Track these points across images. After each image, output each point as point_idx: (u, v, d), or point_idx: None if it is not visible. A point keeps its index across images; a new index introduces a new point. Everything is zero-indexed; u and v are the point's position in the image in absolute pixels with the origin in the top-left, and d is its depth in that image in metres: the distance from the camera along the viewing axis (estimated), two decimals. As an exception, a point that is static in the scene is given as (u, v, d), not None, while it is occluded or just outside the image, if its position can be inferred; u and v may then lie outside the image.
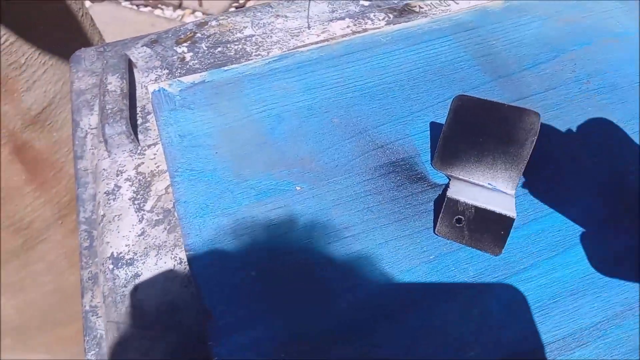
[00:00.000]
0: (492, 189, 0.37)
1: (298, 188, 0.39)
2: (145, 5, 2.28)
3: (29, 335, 1.08)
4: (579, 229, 0.37)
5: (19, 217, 0.87)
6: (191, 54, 0.62)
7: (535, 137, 0.37)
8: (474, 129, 0.38)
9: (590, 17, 0.53)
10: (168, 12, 2.22)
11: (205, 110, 0.43)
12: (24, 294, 0.96)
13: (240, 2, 2.18)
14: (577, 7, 0.54)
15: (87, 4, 2.22)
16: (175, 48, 0.63)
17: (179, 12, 2.24)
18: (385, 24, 0.66)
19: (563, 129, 0.43)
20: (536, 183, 0.40)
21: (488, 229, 0.35)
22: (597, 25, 0.52)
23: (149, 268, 0.42)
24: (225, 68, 0.46)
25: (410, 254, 0.35)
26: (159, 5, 2.26)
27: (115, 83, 0.53)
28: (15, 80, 0.80)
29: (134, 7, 2.27)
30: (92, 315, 0.43)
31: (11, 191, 0.84)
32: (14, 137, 0.82)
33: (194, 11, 2.23)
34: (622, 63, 0.48)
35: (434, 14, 0.65)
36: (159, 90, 0.44)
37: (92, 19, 1.04)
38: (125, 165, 0.49)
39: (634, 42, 0.50)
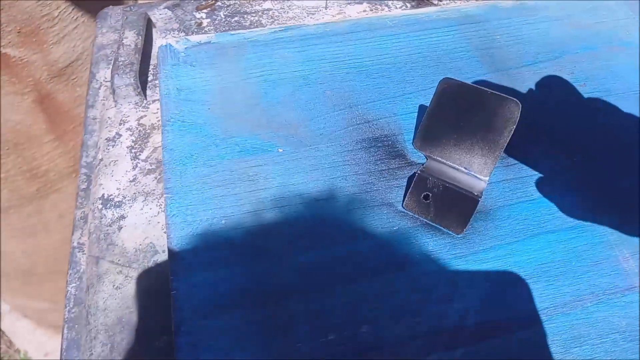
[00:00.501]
0: (466, 172, 0.38)
1: (280, 150, 0.40)
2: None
3: (35, 281, 1.13)
4: (543, 221, 0.37)
5: (37, 164, 0.91)
6: (209, 20, 0.64)
7: (514, 127, 0.37)
8: (457, 112, 0.39)
9: (601, 24, 0.53)
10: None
11: (206, 69, 0.45)
12: (34, 240, 1.01)
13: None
14: (589, 13, 0.53)
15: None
16: (194, 13, 0.65)
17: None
18: (402, 12, 0.67)
19: (549, 126, 0.43)
20: (512, 172, 0.40)
21: (453, 207, 0.36)
22: (605, 32, 0.52)
23: (135, 212, 0.44)
24: (232, 32, 0.48)
25: (374, 224, 0.37)
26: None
27: (131, 38, 0.56)
28: (47, 32, 0.84)
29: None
30: (79, 252, 0.46)
31: (31, 138, 0.89)
32: (39, 87, 0.86)
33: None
34: (622, 70, 0.48)
35: (441, 7, 0.65)
36: (165, 46, 0.47)
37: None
38: (129, 116, 0.52)
39: (636, 52, 0.50)
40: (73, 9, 0.87)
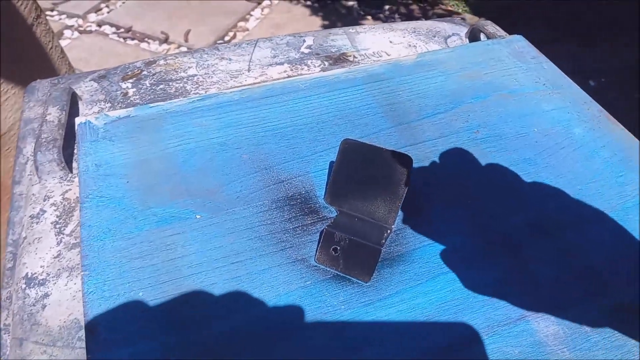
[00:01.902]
0: (374, 222, 0.41)
1: (198, 216, 0.42)
2: (132, 39, 2.36)
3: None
4: (442, 262, 0.41)
5: (-31, 238, 0.89)
6: (134, 89, 0.67)
7: (408, 178, 0.41)
8: (359, 169, 0.43)
9: (491, 74, 0.59)
10: (154, 46, 2.29)
11: (125, 143, 0.47)
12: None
13: (226, 39, 2.27)
14: (480, 65, 0.59)
15: (68, 32, 2.28)
16: (120, 83, 0.68)
17: (165, 46, 2.32)
18: (320, 71, 0.72)
19: (448, 172, 0.48)
20: (413, 219, 0.44)
21: (359, 258, 0.39)
22: (495, 81, 0.58)
23: (59, 288, 0.45)
24: (151, 105, 0.51)
25: (289, 280, 0.39)
26: (146, 39, 2.34)
27: (54, 114, 0.58)
28: (-25, 107, 0.83)
29: (121, 39, 2.35)
30: (5, 333, 0.46)
31: (-38, 213, 0.87)
32: (-31, 161, 0.85)
33: (179, 46, 2.31)
34: (511, 116, 0.53)
35: (365, 63, 0.71)
36: (84, 123, 0.48)
37: (62, 51, 1.09)
38: (53, 191, 0.52)
39: (526, 98, 0.56)
40: (2, 82, 0.88)
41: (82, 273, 0.38)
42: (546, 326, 0.37)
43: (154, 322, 0.36)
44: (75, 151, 0.58)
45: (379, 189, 0.42)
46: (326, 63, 0.73)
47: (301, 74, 0.68)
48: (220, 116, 0.51)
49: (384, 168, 0.42)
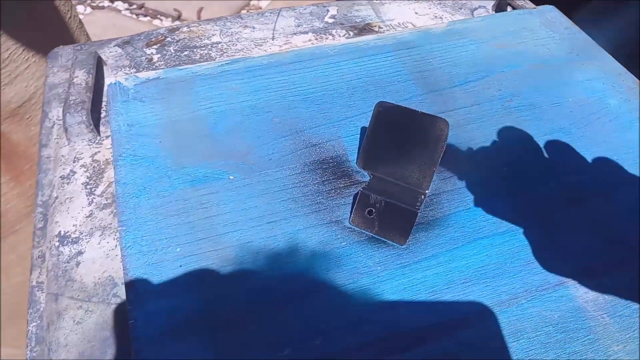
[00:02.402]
0: (407, 187, 0.41)
1: (231, 177, 0.42)
2: (145, 15, 2.34)
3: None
4: (478, 227, 0.40)
5: (-8, 206, 0.89)
6: (159, 55, 0.66)
7: (445, 143, 0.41)
8: (393, 132, 0.42)
9: (523, 44, 0.57)
10: (167, 22, 2.28)
11: (155, 104, 0.47)
12: (-6, 284, 0.98)
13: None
14: (512, 34, 0.58)
15: (81, 8, 2.27)
16: (145, 49, 0.67)
17: (177, 23, 2.30)
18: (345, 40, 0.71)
19: (482, 139, 0.47)
20: (448, 184, 0.44)
21: (395, 221, 0.39)
22: (528, 51, 0.56)
23: (93, 246, 0.45)
24: (180, 67, 0.51)
25: (324, 240, 0.39)
26: (158, 16, 2.32)
27: (81, 77, 0.57)
28: (-2, 73, 0.83)
29: (134, 16, 2.33)
30: (38, 290, 0.46)
31: (-15, 180, 0.87)
32: (-9, 128, 0.85)
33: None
34: (544, 86, 0.52)
35: (377, 35, 0.70)
36: (115, 83, 0.48)
37: (80, 21, 1.09)
38: (82, 153, 0.52)
39: (560, 69, 0.55)
40: (23, 50, 0.88)
41: (119, 229, 0.39)
42: (585, 292, 0.37)
43: (191, 277, 0.36)
44: (102, 115, 0.58)
45: (413, 153, 0.41)
46: (351, 33, 0.72)
47: (324, 44, 0.67)
48: (250, 80, 0.51)
49: (420, 132, 0.41)
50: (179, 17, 2.31)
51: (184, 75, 0.50)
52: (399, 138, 0.42)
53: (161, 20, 2.31)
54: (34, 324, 0.44)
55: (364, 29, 0.75)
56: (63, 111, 0.54)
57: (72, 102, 0.54)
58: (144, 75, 0.50)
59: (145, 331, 0.33)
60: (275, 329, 0.34)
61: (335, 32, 0.73)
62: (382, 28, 0.74)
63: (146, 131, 0.45)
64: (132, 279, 0.35)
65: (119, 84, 0.48)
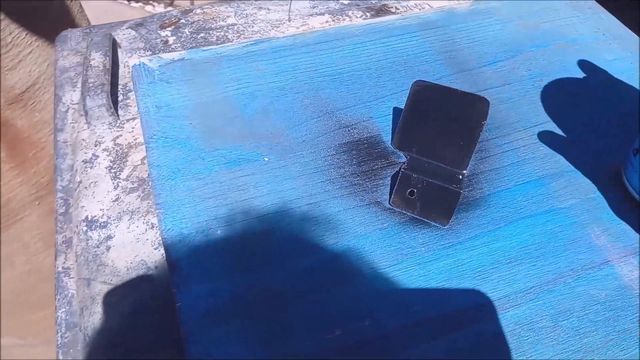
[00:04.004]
0: (445, 167, 0.40)
1: (266, 159, 0.41)
2: (137, 1, 2.30)
3: (0, 317, 1.07)
4: (519, 207, 0.40)
5: (-4, 194, 0.88)
6: (174, 37, 0.65)
7: (485, 122, 0.40)
8: (431, 111, 0.41)
9: (549, 23, 0.57)
10: (159, 8, 2.24)
11: (182, 85, 0.46)
12: (-3, 273, 0.97)
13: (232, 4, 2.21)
14: (537, 14, 0.58)
15: (78, -6, 2.22)
16: (159, 32, 0.65)
17: (170, 9, 2.26)
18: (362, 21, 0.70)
19: (515, 119, 0.47)
20: (486, 164, 0.43)
21: (437, 201, 0.38)
22: (554, 30, 0.56)
23: (122, 231, 0.44)
24: (204, 48, 0.49)
25: (365, 222, 0.38)
26: (151, 2, 2.28)
27: (98, 59, 0.56)
28: (1, 58, 0.81)
29: (125, 2, 2.28)
30: (65, 276, 0.45)
31: (-10, 168, 0.85)
32: (-5, 115, 0.83)
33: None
34: (573, 65, 0.52)
35: (402, 15, 0.68)
36: (139, 64, 0.47)
37: (80, 5, 1.06)
38: (103, 137, 0.51)
39: (587, 48, 0.54)
40: (27, 34, 0.85)
41: (157, 211, 0.37)
42: (630, 270, 0.37)
43: (234, 259, 0.35)
44: (119, 98, 0.56)
45: (452, 133, 0.41)
46: (368, 14, 0.71)
47: (346, 24, 0.66)
48: (276, 61, 0.49)
49: (459, 110, 0.41)
50: (171, 3, 2.27)
51: (209, 56, 0.49)
52: (437, 117, 0.41)
53: (153, 5, 2.27)
54: (63, 309, 0.43)
55: (381, 10, 0.73)
56: (82, 94, 0.52)
57: (91, 84, 0.52)
58: (167, 56, 0.48)
59: (192, 314, 0.32)
60: (322, 310, 0.34)
61: (352, 13, 0.71)
62: (399, 9, 0.73)
63: (175, 113, 0.44)
64: (175, 261, 0.34)
65: (144, 65, 0.47)
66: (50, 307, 1.10)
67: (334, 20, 0.70)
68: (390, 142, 0.44)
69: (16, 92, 0.85)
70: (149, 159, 0.40)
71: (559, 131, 0.46)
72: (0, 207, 0.89)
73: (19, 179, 0.90)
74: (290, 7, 0.72)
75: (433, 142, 0.41)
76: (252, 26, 0.68)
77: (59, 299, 0.43)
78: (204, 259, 0.35)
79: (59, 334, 0.41)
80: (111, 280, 0.41)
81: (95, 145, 0.50)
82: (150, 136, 0.42)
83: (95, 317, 0.39)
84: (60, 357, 0.40)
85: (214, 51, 0.49)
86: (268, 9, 0.71)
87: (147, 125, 0.42)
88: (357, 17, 0.71)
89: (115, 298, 0.40)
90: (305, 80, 0.48)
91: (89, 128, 0.52)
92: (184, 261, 0.34)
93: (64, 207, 0.50)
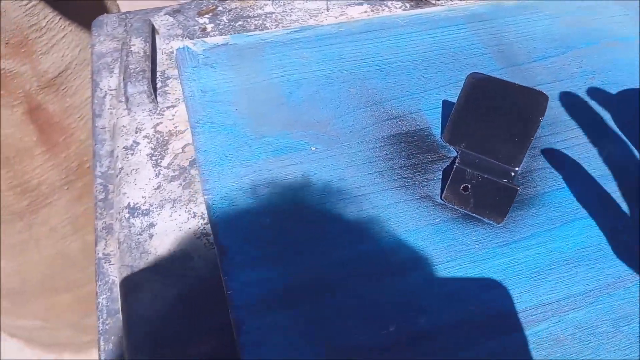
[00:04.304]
0: (497, 163, 0.39)
1: (313, 149, 0.40)
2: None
3: (25, 300, 1.09)
4: (575, 207, 0.38)
5: (27, 178, 0.88)
6: (212, 25, 0.64)
7: (542, 117, 0.38)
8: (485, 105, 0.40)
9: (597, 20, 0.55)
10: None
11: (227, 70, 0.45)
12: (25, 256, 0.97)
13: None
14: (585, 10, 0.56)
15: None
16: (197, 19, 0.65)
17: None
18: (402, 12, 0.68)
19: (568, 117, 0.45)
20: (540, 161, 0.42)
21: (492, 198, 0.37)
22: (604, 27, 0.54)
23: (164, 219, 0.43)
24: (248, 33, 0.48)
25: (416, 216, 0.37)
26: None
27: (138, 45, 0.55)
28: (35, 42, 0.81)
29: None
30: (105, 262, 0.45)
31: (22, 152, 0.86)
32: (28, 98, 0.83)
33: None
34: (626, 63, 0.50)
35: (447, 5, 0.67)
36: (183, 48, 0.46)
37: (111, -8, 1.06)
38: (144, 124, 0.50)
39: (634, 47, 0.52)
40: (60, 18, 0.85)
41: (205, 197, 0.37)
42: (693, 275, 0.35)
43: (284, 248, 0.34)
44: (158, 85, 0.56)
45: (506, 128, 0.39)
46: (407, 5, 0.69)
47: (387, 14, 0.65)
48: (321, 49, 0.48)
49: (515, 105, 0.39)
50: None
51: (253, 42, 0.48)
52: (492, 111, 0.40)
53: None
54: (104, 296, 0.43)
55: (421, 0, 0.72)
56: (123, 80, 0.52)
57: (132, 70, 0.52)
58: (212, 40, 0.48)
59: (244, 301, 0.31)
60: (374, 303, 0.33)
61: (391, 3, 0.70)
62: (438, 0, 0.72)
63: (220, 98, 0.43)
64: (225, 248, 0.34)
65: (188, 49, 0.46)
66: (75, 290, 1.11)
67: (372, 11, 0.69)
68: (440, 135, 0.43)
69: (49, 76, 0.85)
70: (196, 143, 0.39)
71: (616, 130, 0.44)
72: (30, 191, 0.90)
73: (50, 163, 0.91)
74: (328, -4, 0.71)
75: (486, 136, 0.40)
76: (290, 15, 0.67)
77: (100, 285, 0.43)
78: (253, 246, 0.34)
79: (100, 321, 0.41)
80: (155, 268, 0.40)
81: (136, 132, 0.50)
82: (196, 121, 0.41)
83: (138, 304, 0.38)
84: (102, 344, 0.40)
85: (258, 37, 0.48)
86: (306, -2, 0.70)
87: (193, 110, 0.41)
88: (396, 8, 0.70)
89: (159, 285, 0.39)
90: (351, 69, 0.47)
91: (129, 115, 0.51)
92: (234, 249, 0.34)
93: (103, 193, 0.49)
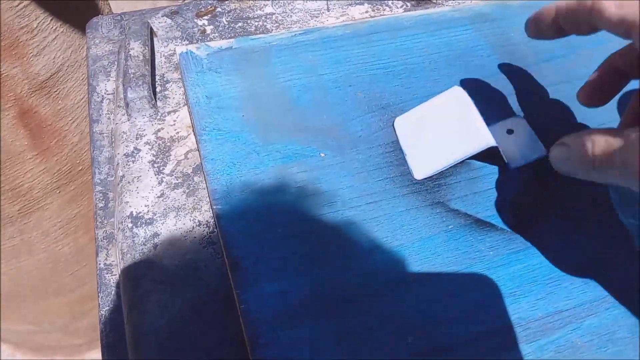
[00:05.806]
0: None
1: (322, 155, 0.40)
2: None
3: (16, 304, 1.07)
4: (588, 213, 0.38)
5: (19, 182, 0.86)
6: (212, 27, 0.63)
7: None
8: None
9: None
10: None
11: (232, 75, 0.44)
12: (17, 261, 0.95)
13: None
14: (591, 8, 0.55)
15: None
16: (195, 20, 0.63)
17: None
18: (403, 12, 0.68)
19: (578, 119, 0.45)
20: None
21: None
22: (610, 26, 0.54)
23: (169, 228, 0.42)
24: (252, 37, 0.47)
25: (429, 223, 0.37)
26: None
27: (137, 49, 0.54)
28: (26, 44, 0.79)
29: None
30: (107, 273, 0.44)
31: (13, 156, 0.84)
32: (20, 102, 0.82)
33: None
34: (633, 62, 0.50)
35: (450, 5, 0.66)
36: (186, 52, 0.45)
37: (102, -8, 1.04)
38: (145, 130, 0.49)
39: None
40: (52, 19, 0.83)
41: (213, 207, 0.36)
42: None
43: (296, 259, 0.34)
44: (157, 89, 0.55)
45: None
46: (408, 4, 0.69)
47: (384, 15, 0.64)
48: (327, 52, 0.48)
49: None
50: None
51: (258, 46, 0.47)
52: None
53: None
54: (107, 308, 0.41)
55: (422, 0, 0.71)
56: (123, 85, 0.50)
57: (132, 75, 0.51)
58: (215, 44, 0.46)
59: (260, 315, 0.31)
60: (391, 314, 0.32)
61: (392, 3, 0.69)
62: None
63: (226, 104, 0.42)
64: (237, 261, 0.33)
65: (191, 54, 0.45)
66: (66, 294, 1.09)
67: (373, 10, 0.68)
68: (449, 139, 0.42)
69: (40, 79, 0.83)
70: (203, 152, 0.38)
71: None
72: (21, 196, 0.88)
73: (41, 167, 0.89)
74: (327, -4, 0.70)
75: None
76: (291, 15, 0.66)
77: (102, 297, 0.42)
78: (266, 258, 0.33)
79: (104, 334, 0.40)
80: (160, 279, 0.39)
81: (137, 139, 0.49)
82: (202, 128, 0.40)
83: (144, 316, 0.37)
84: (106, 357, 0.39)
85: (263, 40, 0.47)
86: (305, -2, 0.69)
87: (199, 117, 0.40)
88: (397, 7, 0.69)
89: (165, 297, 0.38)
90: (358, 72, 0.46)
91: (129, 120, 0.50)
92: (246, 261, 0.33)
93: (103, 202, 0.48)
